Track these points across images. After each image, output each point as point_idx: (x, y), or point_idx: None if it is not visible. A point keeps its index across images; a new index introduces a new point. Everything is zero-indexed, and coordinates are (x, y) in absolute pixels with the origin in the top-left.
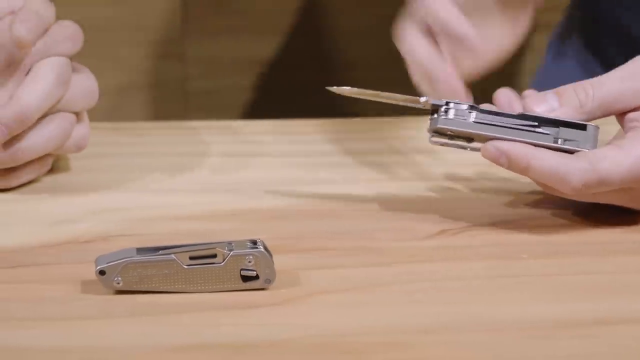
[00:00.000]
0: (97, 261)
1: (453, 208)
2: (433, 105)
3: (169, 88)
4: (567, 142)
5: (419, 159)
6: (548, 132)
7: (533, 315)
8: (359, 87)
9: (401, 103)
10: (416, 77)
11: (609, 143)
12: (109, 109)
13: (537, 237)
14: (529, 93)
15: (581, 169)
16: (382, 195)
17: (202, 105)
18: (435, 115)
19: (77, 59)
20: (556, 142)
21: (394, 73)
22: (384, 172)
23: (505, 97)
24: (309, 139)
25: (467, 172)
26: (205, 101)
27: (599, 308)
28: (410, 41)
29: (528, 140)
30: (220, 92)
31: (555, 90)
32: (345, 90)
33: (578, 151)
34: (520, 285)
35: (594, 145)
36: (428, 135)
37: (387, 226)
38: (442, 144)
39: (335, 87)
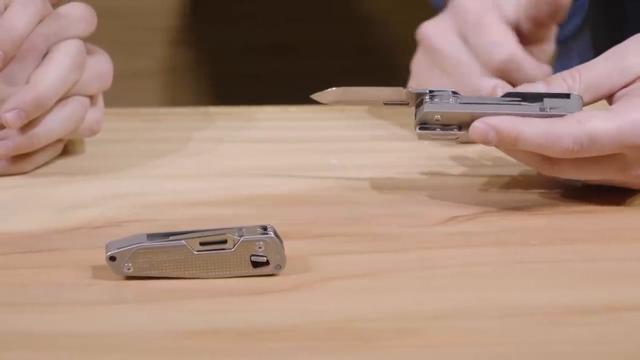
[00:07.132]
0: (107, 247)
1: (463, 194)
2: (417, 94)
3: (181, 74)
4: (553, 109)
5: (426, 144)
6: (534, 104)
7: (544, 301)
8: (371, 73)
9: (386, 98)
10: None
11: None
12: (120, 95)
13: (547, 224)
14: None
15: (570, 127)
16: (392, 181)
17: (214, 91)
18: (421, 105)
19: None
20: (543, 110)
21: (409, 59)
22: (392, 158)
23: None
24: (320, 125)
25: (475, 157)
26: (217, 87)
27: (609, 295)
28: (443, 37)
29: (515, 112)
30: (232, 79)
31: (544, 79)
32: (329, 97)
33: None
34: (531, 272)
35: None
36: (415, 130)
37: (397, 212)
38: (430, 135)
39: (316, 95)
